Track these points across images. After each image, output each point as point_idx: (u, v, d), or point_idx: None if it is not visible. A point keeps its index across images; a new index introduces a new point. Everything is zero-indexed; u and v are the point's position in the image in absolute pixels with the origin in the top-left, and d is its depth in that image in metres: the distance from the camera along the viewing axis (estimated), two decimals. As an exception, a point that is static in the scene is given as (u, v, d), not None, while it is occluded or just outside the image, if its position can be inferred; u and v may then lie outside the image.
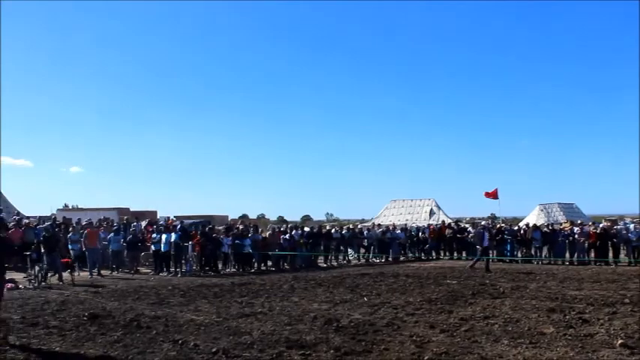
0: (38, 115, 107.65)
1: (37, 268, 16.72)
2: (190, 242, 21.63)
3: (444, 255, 29.48)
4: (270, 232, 25.89)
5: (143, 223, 27.58)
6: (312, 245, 25.56)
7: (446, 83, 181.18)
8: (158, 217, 37.87)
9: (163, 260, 21.59)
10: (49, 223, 24.29)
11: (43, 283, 16.61)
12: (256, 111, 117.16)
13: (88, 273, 19.80)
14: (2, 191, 33.66)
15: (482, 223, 33.79)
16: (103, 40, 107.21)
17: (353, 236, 28.20)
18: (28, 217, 26.56)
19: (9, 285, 14.23)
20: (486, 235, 22.03)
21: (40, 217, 31.66)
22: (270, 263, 24.14)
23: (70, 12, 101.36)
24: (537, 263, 25.71)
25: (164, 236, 21.30)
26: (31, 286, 16.00)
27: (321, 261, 26.36)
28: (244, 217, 52.73)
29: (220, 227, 26.17)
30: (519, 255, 27.32)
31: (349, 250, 28.27)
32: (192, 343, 8.67)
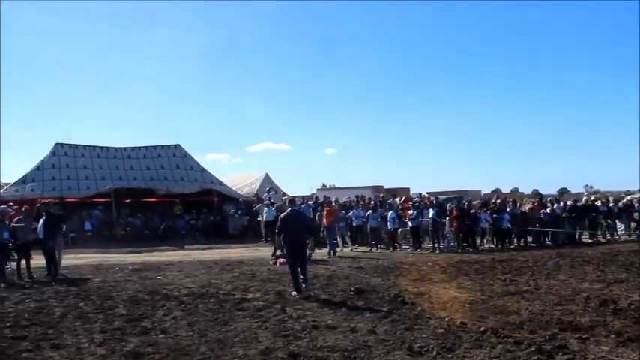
0: (296, 104, 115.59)
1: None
2: (447, 218, 21.43)
3: None
4: (529, 205, 24.67)
5: (398, 200, 28.04)
6: (575, 219, 23.79)
7: None
8: (411, 193, 38.29)
9: (421, 236, 21.76)
10: (311, 202, 25.89)
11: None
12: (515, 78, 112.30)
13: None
14: (268, 173, 36.52)
15: None
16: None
17: (622, 209, 25.70)
18: (294, 197, 28.51)
19: (281, 260, 15.32)
20: None
21: (302, 196, 33.90)
22: (530, 239, 22.99)
23: None
24: None
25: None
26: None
27: (585, 236, 24.47)
28: (497, 191, 51.20)
29: (475, 202, 25.58)
30: None
31: (618, 224, 25.81)
32: (458, 321, 8.50)
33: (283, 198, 25.60)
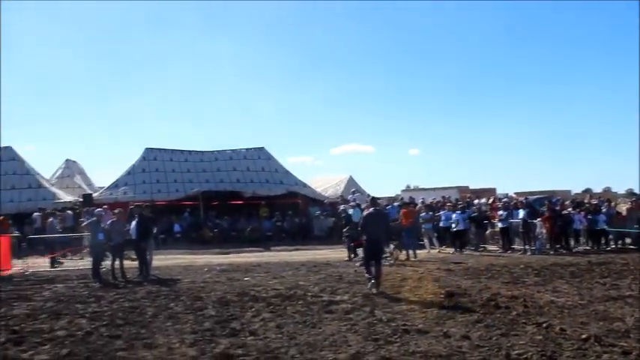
0: (379, 105, 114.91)
1: (392, 245, 17.54)
2: (538, 219, 20.66)
3: None
4: (627, 205, 23.46)
5: (483, 200, 27.38)
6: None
7: None
8: (497, 193, 37.34)
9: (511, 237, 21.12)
10: (397, 203, 25.61)
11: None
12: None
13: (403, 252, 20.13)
14: (351, 175, 36.46)
15: None
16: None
17: None
18: (379, 198, 28.31)
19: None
20: None
21: (387, 197, 33.66)
22: (628, 240, 21.82)
23: None
24: None
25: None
26: (387, 263, 16.81)
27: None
28: (588, 190, 49.06)
29: (566, 202, 24.60)
30: None
31: None
32: (557, 327, 8.09)
33: (368, 199, 25.50)
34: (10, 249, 17.14)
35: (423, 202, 24.57)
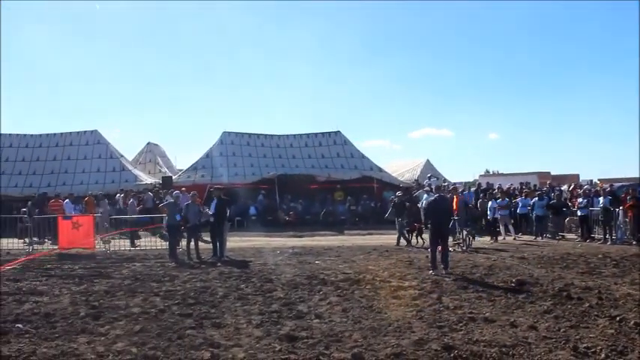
0: (458, 88, 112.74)
1: (464, 232, 17.31)
2: (621, 207, 19.81)
3: None
4: None
5: (564, 187, 26.59)
6: None
7: None
8: (580, 180, 36.19)
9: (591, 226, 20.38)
10: (473, 188, 25.25)
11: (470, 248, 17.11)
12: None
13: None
14: (429, 159, 36.15)
15: None
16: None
17: None
18: (454, 184, 27.97)
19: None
20: None
21: (465, 183, 33.20)
22: None
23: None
24: None
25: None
26: (459, 250, 16.63)
27: None
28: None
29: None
30: None
31: None
32: (632, 322, 7.77)
33: (444, 184, 25.23)
34: (94, 228, 17.94)
35: (499, 188, 24.08)
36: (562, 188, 26.06)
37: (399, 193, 20.83)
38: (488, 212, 21.14)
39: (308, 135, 33.81)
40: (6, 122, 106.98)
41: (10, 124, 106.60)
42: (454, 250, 16.26)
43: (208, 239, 16.23)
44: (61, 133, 33.09)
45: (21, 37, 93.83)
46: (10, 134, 32.92)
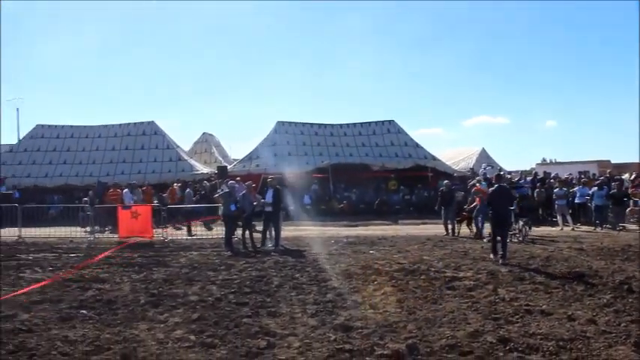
0: (514, 75, 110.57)
1: (520, 222, 17.03)
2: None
3: None
4: None
5: (625, 176, 25.84)
6: None
7: None
8: (643, 168, 35.08)
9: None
10: (528, 179, 24.76)
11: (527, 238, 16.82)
12: None
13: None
14: (484, 147, 35.71)
15: None
16: None
17: None
18: (509, 173, 27.55)
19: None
20: None
21: (520, 171, 32.64)
22: None
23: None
24: None
25: None
26: (515, 240, 16.38)
27: None
28: None
29: None
30: None
31: None
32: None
33: (508, 175, 24.84)
34: (152, 217, 18.40)
35: (556, 177, 23.59)
36: (623, 177, 25.31)
37: (447, 182, 20.57)
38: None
39: (362, 124, 33.74)
40: (68, 114, 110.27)
41: (72, 116, 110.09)
42: (510, 240, 16.01)
43: (260, 229, 16.43)
44: (120, 124, 34.01)
45: (81, 35, 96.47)
46: (71, 125, 34.08)
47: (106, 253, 14.14)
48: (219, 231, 17.76)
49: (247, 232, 15.83)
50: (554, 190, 20.83)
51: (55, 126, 34.06)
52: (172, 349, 6.51)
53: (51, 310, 8.32)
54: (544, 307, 8.26)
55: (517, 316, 7.73)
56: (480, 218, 17.71)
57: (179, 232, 19.72)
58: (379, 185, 30.54)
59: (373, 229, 21.40)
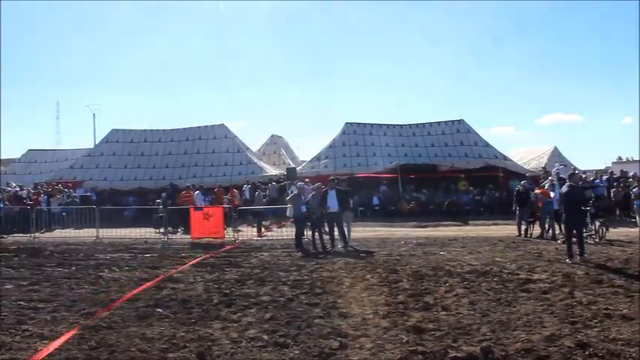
0: (588, 71, 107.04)
1: (597, 223, 16.50)
2: None
3: None
4: None
5: None
6: None
7: None
8: None
9: None
10: (604, 178, 23.93)
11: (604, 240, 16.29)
12: None
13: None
14: (557, 146, 34.80)
15: None
16: None
17: None
18: (585, 172, 26.71)
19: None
20: None
21: (595, 170, 31.60)
22: None
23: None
24: None
25: None
26: (592, 242, 15.87)
27: None
28: None
29: None
30: None
31: None
32: None
33: (583, 175, 24.11)
34: (223, 218, 18.77)
35: (635, 176, 22.72)
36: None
37: (524, 182, 20.12)
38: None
39: (431, 124, 33.49)
40: (141, 119, 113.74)
41: (145, 120, 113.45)
42: (586, 242, 15.54)
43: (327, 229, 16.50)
44: (191, 128, 34.85)
45: (154, 37, 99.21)
46: (144, 130, 35.24)
47: (198, 259, 14.33)
48: (289, 232, 17.93)
49: (317, 233, 15.93)
50: (633, 190, 20.04)
51: (130, 130, 35.29)
52: (246, 348, 6.61)
53: (129, 308, 8.60)
54: (624, 311, 7.94)
55: (596, 321, 7.47)
56: (546, 219, 17.31)
57: (251, 233, 19.99)
58: (449, 186, 30.20)
59: (443, 230, 21.18)
